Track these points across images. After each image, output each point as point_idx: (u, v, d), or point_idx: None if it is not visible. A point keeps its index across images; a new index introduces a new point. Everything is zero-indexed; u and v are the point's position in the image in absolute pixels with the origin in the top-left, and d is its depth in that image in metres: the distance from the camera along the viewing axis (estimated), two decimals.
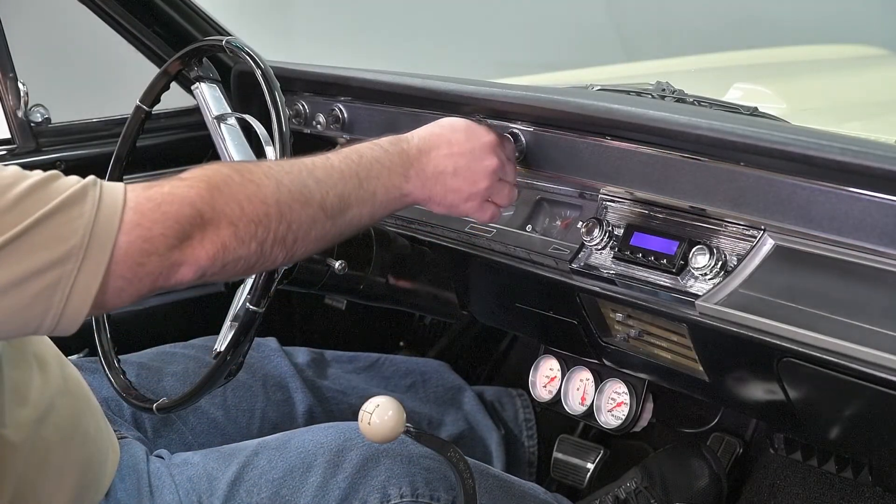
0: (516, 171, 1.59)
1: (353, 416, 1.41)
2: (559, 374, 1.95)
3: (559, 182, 1.72)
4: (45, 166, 2.15)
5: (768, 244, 1.43)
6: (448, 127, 1.51)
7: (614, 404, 1.88)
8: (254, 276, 1.59)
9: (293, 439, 1.62)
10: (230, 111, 1.83)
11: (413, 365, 2.14)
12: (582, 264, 1.65)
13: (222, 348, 1.61)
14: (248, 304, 1.57)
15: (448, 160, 1.47)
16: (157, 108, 1.87)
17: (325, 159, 1.36)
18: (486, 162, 1.51)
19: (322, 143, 2.16)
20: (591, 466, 2.03)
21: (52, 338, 1.46)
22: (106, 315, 1.77)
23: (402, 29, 4.58)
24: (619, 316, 1.70)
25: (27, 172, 1.16)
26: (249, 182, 1.24)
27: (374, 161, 1.40)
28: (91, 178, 1.18)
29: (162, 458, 1.62)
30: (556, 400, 1.94)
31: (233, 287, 1.75)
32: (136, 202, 1.17)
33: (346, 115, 2.03)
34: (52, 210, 1.14)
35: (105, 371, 1.75)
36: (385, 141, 1.45)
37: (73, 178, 1.18)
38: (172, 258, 1.18)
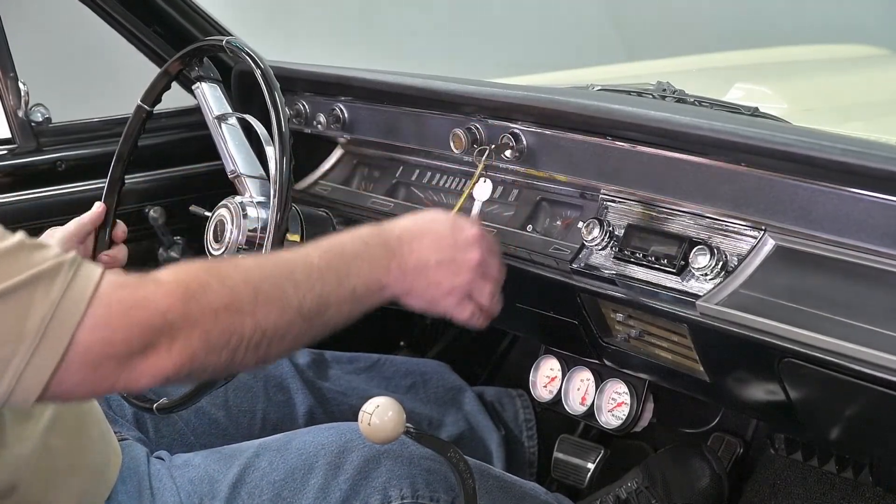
0: (501, 269, 1.46)
1: (354, 417, 1.41)
2: (560, 375, 1.95)
3: (560, 182, 1.72)
4: (45, 166, 2.20)
5: (769, 244, 1.43)
6: (430, 220, 1.43)
7: (615, 404, 1.88)
8: None
9: (294, 440, 1.62)
10: (231, 111, 1.83)
11: (413, 365, 2.13)
12: (582, 264, 1.64)
13: None
14: None
15: (430, 252, 1.40)
16: (158, 108, 1.87)
17: (305, 256, 1.30)
18: (468, 255, 1.42)
19: (323, 143, 2.16)
20: (591, 466, 2.03)
21: None
22: None
23: (402, 29, 4.58)
24: (619, 316, 1.70)
25: (5, 233, 1.11)
26: (227, 290, 1.19)
27: (354, 257, 1.33)
28: (72, 254, 1.13)
29: (162, 459, 1.62)
30: (557, 400, 1.94)
31: None
32: (108, 300, 1.12)
33: (346, 115, 2.03)
34: (19, 284, 1.08)
35: None
36: (367, 233, 1.38)
37: (52, 252, 1.12)
38: (131, 364, 1.13)
